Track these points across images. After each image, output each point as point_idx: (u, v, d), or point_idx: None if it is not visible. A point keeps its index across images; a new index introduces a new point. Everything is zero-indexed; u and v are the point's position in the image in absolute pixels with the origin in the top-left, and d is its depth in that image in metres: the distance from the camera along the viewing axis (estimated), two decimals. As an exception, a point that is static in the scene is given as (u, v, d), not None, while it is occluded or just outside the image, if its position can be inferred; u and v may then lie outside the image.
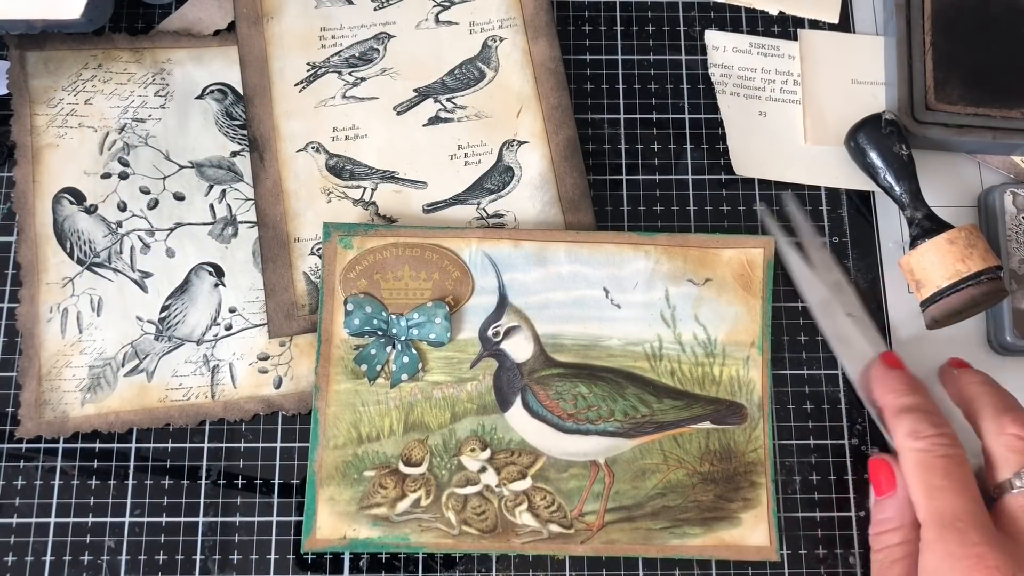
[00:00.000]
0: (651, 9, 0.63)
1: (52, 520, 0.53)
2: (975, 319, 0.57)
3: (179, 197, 0.58)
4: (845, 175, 0.59)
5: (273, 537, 0.52)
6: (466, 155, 0.58)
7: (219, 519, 0.53)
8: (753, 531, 0.52)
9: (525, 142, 0.58)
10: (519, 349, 0.54)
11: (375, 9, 0.61)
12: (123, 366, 0.55)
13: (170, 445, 0.54)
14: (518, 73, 0.60)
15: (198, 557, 0.52)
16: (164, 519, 0.53)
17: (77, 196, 0.57)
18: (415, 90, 0.59)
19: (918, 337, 0.56)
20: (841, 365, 0.55)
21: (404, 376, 0.53)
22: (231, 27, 0.60)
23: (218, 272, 0.56)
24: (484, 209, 0.57)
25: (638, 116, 0.60)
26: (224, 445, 0.54)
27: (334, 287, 0.54)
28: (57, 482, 0.53)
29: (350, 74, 0.60)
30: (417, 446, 0.53)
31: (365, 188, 0.57)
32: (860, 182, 0.59)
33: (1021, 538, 0.44)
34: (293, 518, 0.53)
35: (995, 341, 0.56)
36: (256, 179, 0.57)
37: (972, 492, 0.45)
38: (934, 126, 0.58)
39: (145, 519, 0.53)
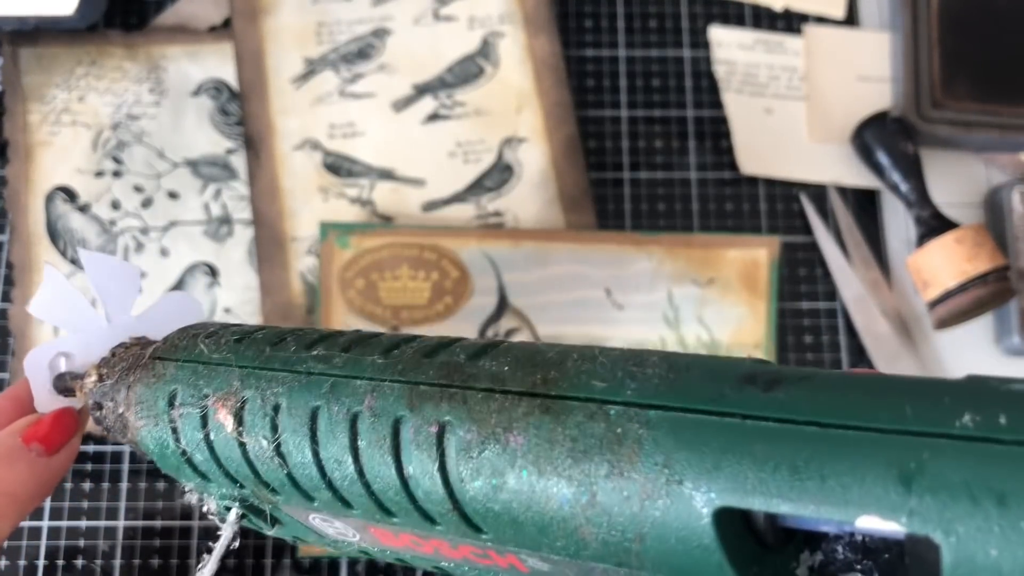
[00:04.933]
0: (653, 4, 0.62)
1: (45, 524, 0.52)
2: (982, 319, 0.56)
3: (173, 195, 0.57)
4: (851, 173, 0.58)
5: (269, 541, 0.52)
6: (465, 153, 0.57)
7: (215, 522, 0.52)
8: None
9: (525, 140, 0.57)
10: (519, 350, 0.53)
11: (373, 4, 0.60)
12: (117, 367, 0.54)
13: (165, 448, 0.53)
14: (518, 69, 0.59)
15: (193, 561, 0.51)
16: (159, 523, 0.52)
17: (70, 194, 0.56)
18: (413, 86, 0.59)
19: (925, 337, 0.56)
20: (870, 362, 0.54)
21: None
22: (227, 23, 0.60)
23: (213, 272, 0.56)
24: (483, 207, 0.57)
25: (640, 113, 0.59)
26: (219, 448, 0.53)
27: (331, 287, 0.54)
28: (50, 485, 0.53)
29: (347, 70, 0.59)
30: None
31: (362, 186, 0.57)
32: (866, 180, 0.58)
33: None
34: (289, 522, 0.52)
35: (1002, 342, 0.55)
36: (252, 177, 0.56)
37: None
38: (941, 123, 0.57)
39: (140, 523, 0.52)
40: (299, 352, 0.27)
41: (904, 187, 0.55)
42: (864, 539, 0.20)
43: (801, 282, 0.57)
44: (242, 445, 0.27)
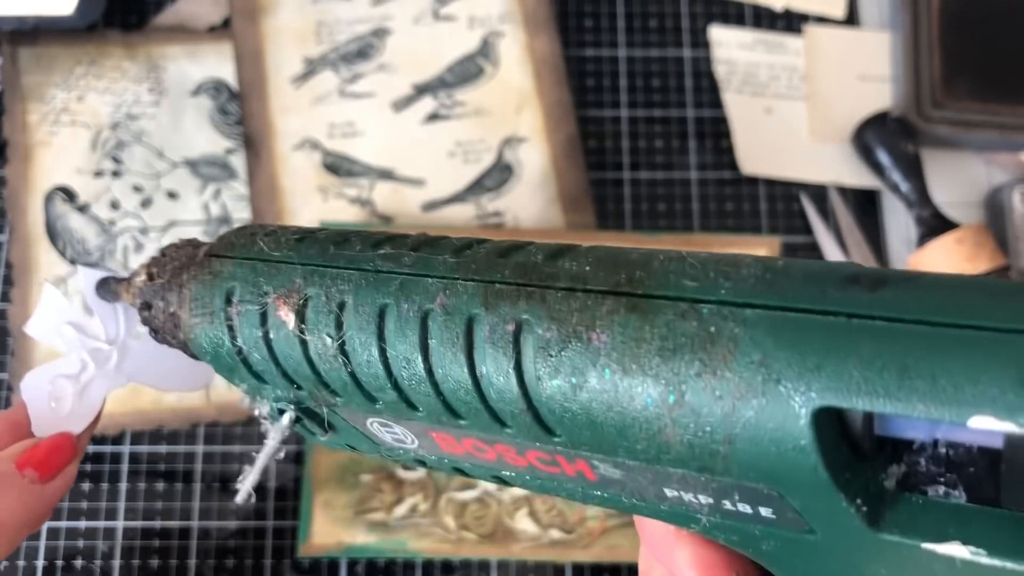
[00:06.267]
0: (653, 4, 0.62)
1: (44, 524, 0.52)
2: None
3: (173, 195, 0.57)
4: (851, 173, 0.58)
5: (269, 542, 0.52)
6: (465, 152, 0.57)
7: (214, 523, 0.52)
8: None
9: (525, 139, 0.57)
10: (519, 350, 0.53)
11: (373, 4, 0.60)
12: (116, 368, 0.54)
13: (164, 448, 0.53)
14: (518, 69, 0.59)
15: (192, 562, 0.51)
16: (158, 523, 0.52)
17: (69, 194, 0.56)
18: (413, 86, 0.58)
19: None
20: None
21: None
22: (226, 23, 0.59)
23: (213, 272, 0.55)
24: (484, 207, 0.56)
25: (640, 113, 0.59)
26: (218, 448, 0.53)
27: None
28: (49, 485, 0.52)
29: (347, 70, 0.59)
30: (415, 449, 0.52)
31: (362, 186, 0.57)
32: (867, 180, 0.58)
33: None
34: (289, 523, 0.52)
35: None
36: (251, 177, 0.56)
37: None
38: (941, 123, 0.57)
39: (139, 523, 0.52)
40: (365, 251, 0.26)
41: (904, 187, 0.55)
42: (948, 452, 0.19)
43: (801, 282, 0.56)
44: (304, 343, 0.26)
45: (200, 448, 0.53)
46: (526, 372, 0.22)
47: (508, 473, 0.26)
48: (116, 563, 0.51)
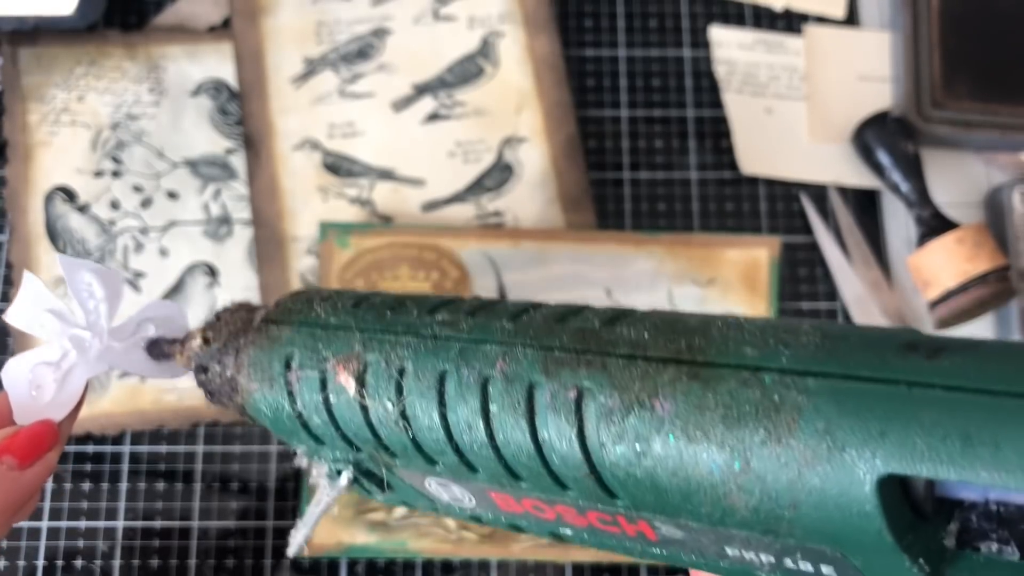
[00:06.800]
0: (653, 4, 0.62)
1: (44, 524, 0.52)
2: (983, 319, 0.56)
3: (173, 195, 0.57)
4: (851, 173, 0.58)
5: (268, 542, 0.52)
6: (465, 152, 0.57)
7: (214, 523, 0.52)
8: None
9: (525, 139, 0.57)
10: (519, 350, 0.53)
11: (373, 4, 0.60)
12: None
13: (164, 448, 0.53)
14: (518, 69, 0.59)
15: (192, 561, 0.51)
16: (158, 523, 0.52)
17: (69, 194, 0.56)
18: (413, 86, 0.59)
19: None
20: None
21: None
22: (226, 23, 0.60)
23: (212, 272, 0.55)
24: (483, 207, 0.56)
25: (640, 113, 0.59)
26: (219, 448, 0.53)
27: (331, 288, 0.53)
28: (49, 485, 0.52)
29: (347, 70, 0.59)
30: (415, 449, 0.52)
31: (362, 186, 0.57)
32: (867, 180, 0.58)
33: None
34: (289, 523, 0.52)
35: (1003, 342, 0.55)
36: (251, 177, 0.56)
37: None
38: (941, 123, 0.57)
39: (139, 523, 0.52)
40: (422, 316, 0.27)
41: (904, 187, 0.55)
42: (999, 509, 0.20)
43: (801, 282, 0.56)
44: (364, 408, 0.27)
45: (200, 448, 0.53)
46: (589, 438, 0.23)
47: (567, 531, 0.26)
48: (116, 563, 0.51)
